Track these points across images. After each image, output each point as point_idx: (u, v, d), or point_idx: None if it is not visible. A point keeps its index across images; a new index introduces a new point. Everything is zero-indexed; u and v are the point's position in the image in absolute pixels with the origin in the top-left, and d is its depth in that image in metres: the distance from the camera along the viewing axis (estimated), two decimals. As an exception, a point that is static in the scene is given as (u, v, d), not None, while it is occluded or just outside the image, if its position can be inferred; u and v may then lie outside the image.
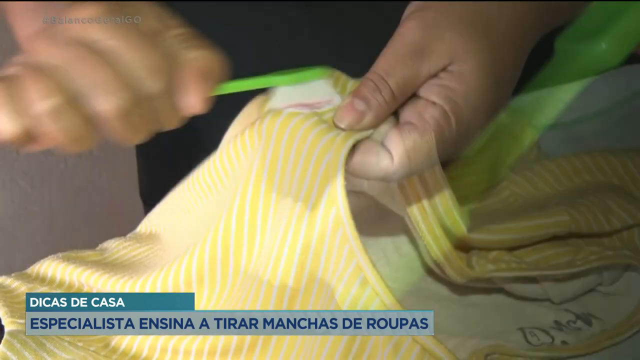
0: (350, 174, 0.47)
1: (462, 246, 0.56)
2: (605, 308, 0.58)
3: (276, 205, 0.49)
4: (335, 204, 0.47)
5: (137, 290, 0.53)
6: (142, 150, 0.86)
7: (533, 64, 0.53)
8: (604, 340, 0.54)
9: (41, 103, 0.42)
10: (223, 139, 0.58)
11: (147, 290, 0.53)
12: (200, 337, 0.50)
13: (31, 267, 0.58)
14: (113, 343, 0.52)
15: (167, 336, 0.51)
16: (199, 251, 0.51)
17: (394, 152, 0.47)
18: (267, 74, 0.50)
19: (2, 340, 0.50)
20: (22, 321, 0.51)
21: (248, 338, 0.49)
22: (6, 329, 0.51)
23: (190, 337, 0.50)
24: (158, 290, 0.52)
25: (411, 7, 0.49)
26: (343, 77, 0.52)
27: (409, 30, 0.48)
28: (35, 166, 1.37)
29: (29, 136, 0.43)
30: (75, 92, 0.43)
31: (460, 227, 0.54)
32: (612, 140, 0.70)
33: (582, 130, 0.71)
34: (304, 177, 0.48)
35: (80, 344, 0.51)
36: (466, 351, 0.53)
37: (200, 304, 0.52)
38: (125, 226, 0.66)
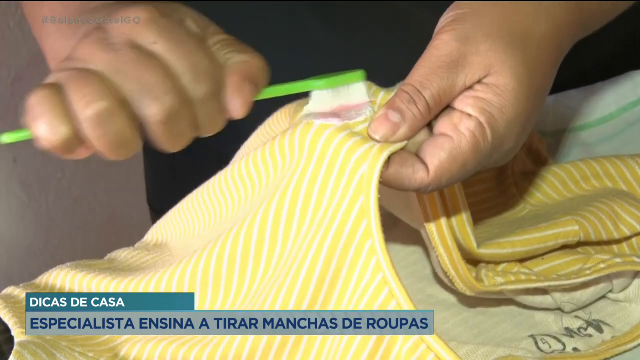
0: (384, 185, 0.47)
1: (471, 259, 0.56)
2: (616, 315, 0.58)
3: (301, 214, 0.49)
4: (367, 216, 0.46)
5: (142, 287, 0.52)
6: (149, 156, 0.85)
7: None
8: (615, 347, 0.54)
9: (86, 109, 0.42)
10: (245, 144, 0.58)
11: (162, 286, 0.52)
12: (211, 345, 0.50)
13: (40, 277, 0.57)
14: (122, 353, 0.52)
15: (177, 345, 0.50)
16: (220, 248, 0.51)
17: (429, 164, 0.46)
18: (304, 78, 0.49)
19: (13, 351, 0.49)
20: (32, 331, 0.51)
21: (261, 346, 0.49)
22: (16, 340, 0.50)
23: (200, 345, 0.50)
24: (175, 286, 0.52)
25: (447, 18, 0.49)
26: (374, 86, 0.51)
27: (444, 43, 0.47)
28: (33, 176, 1.37)
29: (73, 143, 0.43)
30: (123, 97, 0.43)
31: (471, 241, 0.54)
32: (618, 146, 0.70)
33: (589, 136, 0.72)
34: (337, 189, 0.47)
35: (90, 354, 0.51)
36: (478, 359, 0.53)
37: (215, 304, 0.51)
38: (123, 235, 0.65)
